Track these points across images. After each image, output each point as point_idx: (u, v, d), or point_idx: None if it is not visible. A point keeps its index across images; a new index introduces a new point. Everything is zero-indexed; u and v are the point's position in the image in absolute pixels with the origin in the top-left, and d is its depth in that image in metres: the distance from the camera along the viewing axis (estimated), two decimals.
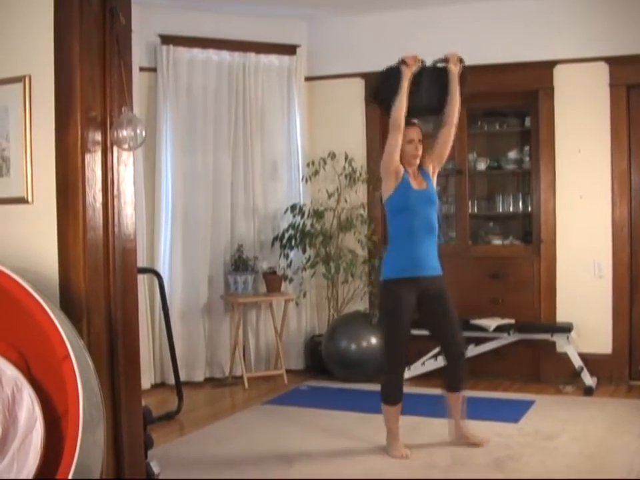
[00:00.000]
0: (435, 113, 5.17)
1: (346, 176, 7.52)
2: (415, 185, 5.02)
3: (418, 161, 5.08)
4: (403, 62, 4.98)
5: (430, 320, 5.18)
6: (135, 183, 3.74)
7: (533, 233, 7.29)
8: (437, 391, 6.48)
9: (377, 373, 6.96)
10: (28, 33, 3.53)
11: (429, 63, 5.10)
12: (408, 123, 5.00)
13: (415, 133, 5.04)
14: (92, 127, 3.45)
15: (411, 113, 5.00)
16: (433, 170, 5.18)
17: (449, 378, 5.22)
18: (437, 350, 7.03)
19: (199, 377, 7.31)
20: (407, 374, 6.94)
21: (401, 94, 4.91)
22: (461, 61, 5.10)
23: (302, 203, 7.55)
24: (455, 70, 5.07)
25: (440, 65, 5.11)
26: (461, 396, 5.21)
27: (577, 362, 6.68)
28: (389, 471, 4.80)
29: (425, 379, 6.80)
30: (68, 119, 3.41)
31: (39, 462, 2.91)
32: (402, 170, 5.00)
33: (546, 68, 7.03)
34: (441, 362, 6.97)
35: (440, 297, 5.07)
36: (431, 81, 5.06)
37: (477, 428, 5.31)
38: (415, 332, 7.06)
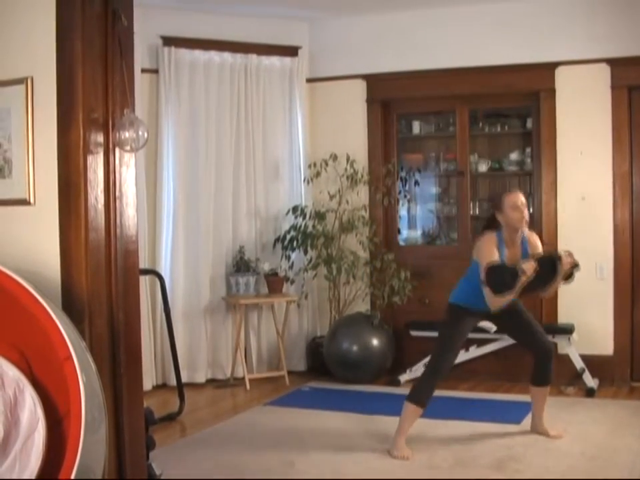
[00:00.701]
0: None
1: (347, 177, 7.53)
2: (508, 256, 5.11)
3: (524, 225, 5.12)
4: (522, 272, 4.91)
5: (511, 332, 5.51)
6: (137, 184, 3.75)
7: None
8: (440, 393, 6.51)
9: (379, 374, 7.01)
10: (30, 35, 3.53)
11: None
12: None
13: (519, 199, 5.11)
14: (94, 129, 3.46)
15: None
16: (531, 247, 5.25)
17: (537, 374, 5.40)
18: None
19: (201, 378, 7.31)
20: (409, 375, 6.96)
21: (510, 296, 4.97)
22: (576, 266, 5.13)
23: (303, 204, 7.56)
24: (566, 269, 5.07)
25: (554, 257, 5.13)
26: (546, 390, 5.40)
27: (579, 363, 6.68)
28: (391, 472, 4.81)
29: None
30: (70, 120, 3.41)
31: (41, 463, 2.92)
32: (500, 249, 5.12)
33: (547, 69, 7.03)
34: None
35: (511, 311, 5.21)
36: (541, 274, 5.03)
37: (553, 422, 5.50)
38: (415, 333, 7.16)
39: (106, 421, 3.10)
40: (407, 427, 5.15)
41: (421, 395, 5.15)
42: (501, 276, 4.97)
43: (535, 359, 5.40)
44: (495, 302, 5.00)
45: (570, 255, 5.09)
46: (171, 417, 6.07)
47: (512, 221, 5.08)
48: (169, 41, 7.23)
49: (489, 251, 5.06)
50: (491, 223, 5.26)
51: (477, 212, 7.59)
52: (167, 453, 5.03)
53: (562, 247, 7.02)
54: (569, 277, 5.15)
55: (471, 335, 6.87)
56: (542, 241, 5.58)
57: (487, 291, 4.97)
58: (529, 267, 4.90)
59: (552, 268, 5.05)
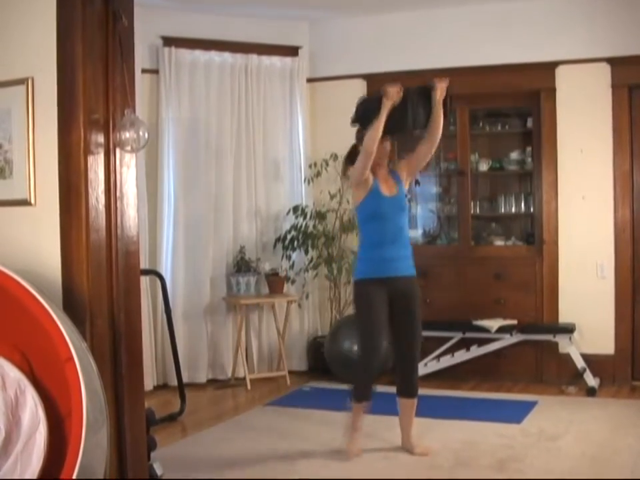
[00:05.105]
0: (421, 129, 5.10)
1: (348, 177, 7.51)
2: (385, 191, 4.99)
3: (386, 161, 5.03)
4: (385, 93, 4.85)
5: (394, 321, 5.07)
6: (137, 185, 3.75)
7: (535, 233, 7.29)
8: (440, 393, 6.52)
9: (380, 374, 6.99)
10: (30, 36, 3.54)
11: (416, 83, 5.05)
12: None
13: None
14: (95, 129, 3.46)
15: (395, 131, 4.96)
16: (406, 177, 5.14)
17: (402, 383, 5.14)
18: (438, 352, 7.05)
19: (202, 378, 7.31)
20: None
21: (378, 124, 4.81)
22: (447, 91, 5.00)
23: (304, 204, 7.55)
24: (439, 98, 4.96)
25: (427, 87, 5.03)
26: (412, 402, 5.13)
27: (580, 363, 6.68)
28: (391, 472, 4.80)
29: (429, 379, 6.78)
30: (71, 121, 3.42)
31: (43, 463, 2.92)
32: (371, 178, 4.98)
33: (548, 69, 7.03)
34: (443, 363, 7.03)
35: (408, 298, 5.05)
36: (416, 104, 4.96)
37: (423, 438, 5.24)
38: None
39: (107, 422, 3.10)
40: (356, 422, 5.05)
41: (357, 390, 5.04)
42: (367, 104, 4.93)
43: (397, 366, 5.17)
44: (366, 143, 4.82)
45: (442, 79, 4.96)
46: (172, 417, 6.07)
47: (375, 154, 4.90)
48: (169, 41, 7.23)
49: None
50: (354, 157, 5.06)
51: (478, 211, 7.58)
52: (168, 453, 5.02)
53: (563, 247, 7.06)
54: (447, 106, 5.01)
55: (472, 335, 6.95)
56: None
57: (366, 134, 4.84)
58: (393, 89, 4.82)
59: (427, 98, 4.97)
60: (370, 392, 5.05)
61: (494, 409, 6.17)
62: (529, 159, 7.36)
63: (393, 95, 4.85)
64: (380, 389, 6.71)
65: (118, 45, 3.54)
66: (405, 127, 4.99)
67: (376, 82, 7.55)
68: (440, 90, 4.95)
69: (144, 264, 6.52)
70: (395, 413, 5.19)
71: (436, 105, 4.96)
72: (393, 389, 5.21)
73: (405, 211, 5.09)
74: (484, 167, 7.53)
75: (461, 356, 7.07)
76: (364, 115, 4.99)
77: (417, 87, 5.03)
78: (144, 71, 6.99)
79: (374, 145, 4.83)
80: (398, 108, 4.89)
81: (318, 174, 7.50)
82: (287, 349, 7.48)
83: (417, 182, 7.84)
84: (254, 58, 7.52)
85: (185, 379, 6.68)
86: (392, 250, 4.98)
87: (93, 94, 3.46)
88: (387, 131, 4.88)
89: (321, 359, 7.33)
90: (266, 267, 7.47)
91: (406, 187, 5.17)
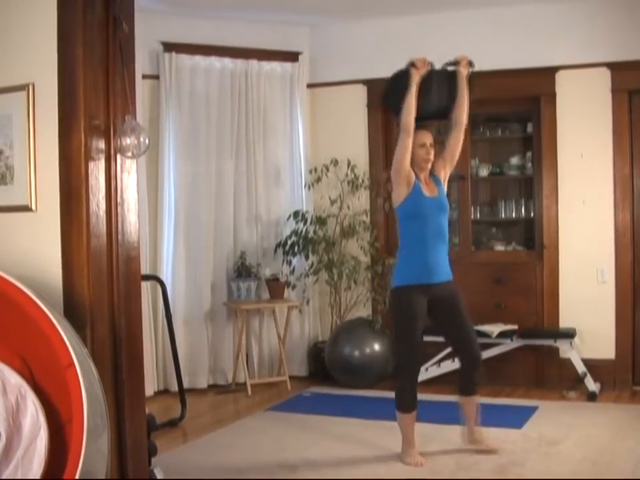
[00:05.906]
0: (445, 116, 5.17)
1: (348, 182, 7.52)
2: (426, 191, 5.01)
3: (429, 166, 5.06)
4: (412, 65, 5.00)
5: (443, 324, 5.14)
6: (138, 191, 3.75)
7: (535, 238, 7.29)
8: (441, 399, 6.50)
9: (380, 379, 7.00)
10: (31, 42, 3.54)
11: (438, 65, 5.12)
12: (419, 127, 5.01)
13: (427, 137, 5.03)
14: (95, 135, 3.47)
15: (422, 117, 5.01)
16: (444, 176, 5.17)
17: (464, 381, 5.16)
18: (439, 357, 7.04)
19: (202, 383, 7.30)
20: None
21: (410, 97, 4.93)
22: (470, 64, 5.12)
23: (305, 209, 7.55)
24: (464, 73, 5.09)
25: (450, 67, 5.13)
26: (474, 399, 5.17)
27: (580, 367, 6.67)
28: (393, 477, 4.79)
29: (430, 385, 6.77)
30: (71, 126, 3.42)
31: (43, 469, 2.92)
32: (413, 177, 5.00)
33: (548, 74, 7.03)
34: (444, 368, 7.01)
35: (452, 300, 5.06)
36: (441, 84, 5.07)
37: (487, 435, 5.24)
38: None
39: (108, 427, 3.10)
40: (410, 434, 5.06)
41: (404, 400, 5.04)
42: (395, 80, 5.05)
43: (460, 365, 5.22)
44: (403, 119, 4.91)
45: (464, 57, 5.10)
46: (173, 423, 6.06)
47: (417, 159, 5.00)
48: (169, 47, 7.24)
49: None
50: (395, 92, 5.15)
51: (478, 216, 7.58)
52: (168, 458, 5.02)
53: (564, 252, 7.06)
54: (470, 84, 5.13)
55: None
56: None
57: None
58: (419, 58, 5.00)
59: (451, 74, 5.10)
60: (416, 400, 5.04)
61: (495, 414, 6.15)
62: (529, 164, 7.37)
63: (419, 64, 4.99)
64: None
65: (118, 50, 3.55)
66: (430, 104, 5.03)
67: (376, 87, 7.58)
68: (463, 61, 5.09)
69: (144, 269, 6.52)
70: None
71: (461, 78, 5.08)
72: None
73: (446, 211, 5.09)
74: (484, 171, 7.54)
75: None
76: (393, 95, 5.06)
77: (441, 68, 5.13)
78: (144, 76, 7.00)
79: (411, 121, 4.92)
80: (422, 88, 4.99)
81: (318, 179, 7.50)
82: (287, 354, 7.47)
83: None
84: (254, 63, 7.52)
85: (186, 384, 6.68)
86: (432, 252, 4.98)
87: (94, 100, 3.46)
88: (417, 116, 4.95)
89: (322, 364, 7.34)
90: (266, 272, 7.46)
91: (445, 185, 5.17)
